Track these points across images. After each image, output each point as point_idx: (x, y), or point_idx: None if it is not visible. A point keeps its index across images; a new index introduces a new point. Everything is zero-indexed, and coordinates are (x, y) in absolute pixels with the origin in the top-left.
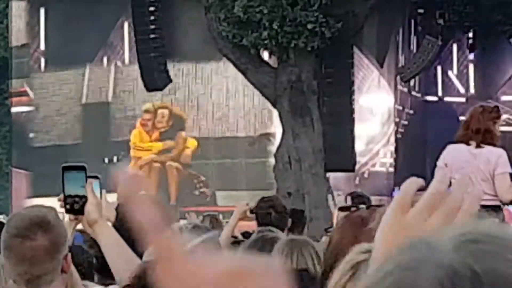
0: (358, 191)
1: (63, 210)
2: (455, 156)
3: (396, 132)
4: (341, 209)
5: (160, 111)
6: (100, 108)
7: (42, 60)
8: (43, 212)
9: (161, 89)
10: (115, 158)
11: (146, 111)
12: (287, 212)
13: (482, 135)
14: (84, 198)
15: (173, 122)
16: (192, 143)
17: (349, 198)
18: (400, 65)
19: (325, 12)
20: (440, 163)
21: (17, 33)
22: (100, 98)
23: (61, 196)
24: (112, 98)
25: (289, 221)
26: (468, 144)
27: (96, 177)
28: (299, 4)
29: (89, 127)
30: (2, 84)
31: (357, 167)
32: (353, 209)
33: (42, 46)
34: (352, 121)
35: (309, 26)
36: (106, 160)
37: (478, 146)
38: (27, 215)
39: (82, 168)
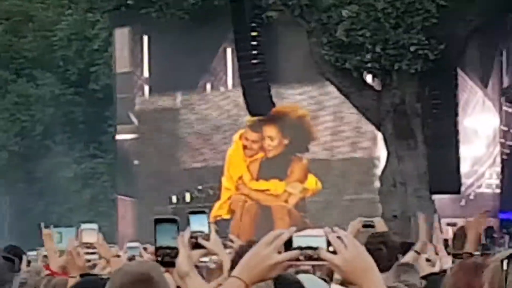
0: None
1: None
2: None
3: (502, 153)
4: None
5: (267, 131)
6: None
7: (146, 87)
8: (146, 268)
9: (264, 114)
10: (187, 196)
11: (251, 126)
12: (397, 248)
13: None
14: (175, 250)
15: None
16: (312, 183)
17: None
18: (504, 85)
19: (428, 34)
20: None
21: (121, 61)
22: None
23: (153, 248)
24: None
25: (400, 256)
26: None
27: (203, 212)
28: (401, 27)
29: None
30: (106, 111)
31: (462, 189)
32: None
33: (146, 74)
34: (457, 143)
35: (412, 49)
36: (174, 199)
37: None
38: (130, 272)
39: (174, 221)
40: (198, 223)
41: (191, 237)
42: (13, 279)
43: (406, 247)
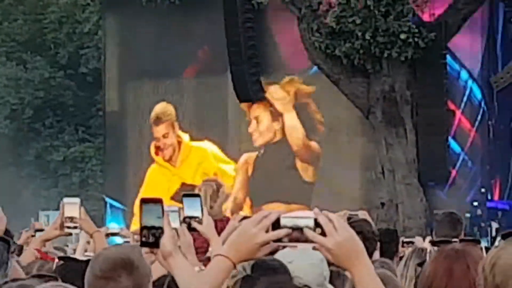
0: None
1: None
2: None
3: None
4: (434, 243)
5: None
6: None
7: (136, 72)
8: (126, 252)
9: (253, 101)
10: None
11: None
12: (376, 236)
13: None
14: (160, 230)
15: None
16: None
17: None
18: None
19: (418, 22)
20: None
21: (110, 45)
22: None
23: (137, 228)
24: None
25: (378, 244)
26: None
27: (197, 195)
28: (391, 14)
29: None
30: (96, 95)
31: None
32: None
33: (135, 58)
34: (446, 131)
35: (402, 36)
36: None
37: None
38: (111, 256)
39: (159, 201)
40: (192, 208)
41: (184, 221)
42: (9, 260)
43: (389, 235)
